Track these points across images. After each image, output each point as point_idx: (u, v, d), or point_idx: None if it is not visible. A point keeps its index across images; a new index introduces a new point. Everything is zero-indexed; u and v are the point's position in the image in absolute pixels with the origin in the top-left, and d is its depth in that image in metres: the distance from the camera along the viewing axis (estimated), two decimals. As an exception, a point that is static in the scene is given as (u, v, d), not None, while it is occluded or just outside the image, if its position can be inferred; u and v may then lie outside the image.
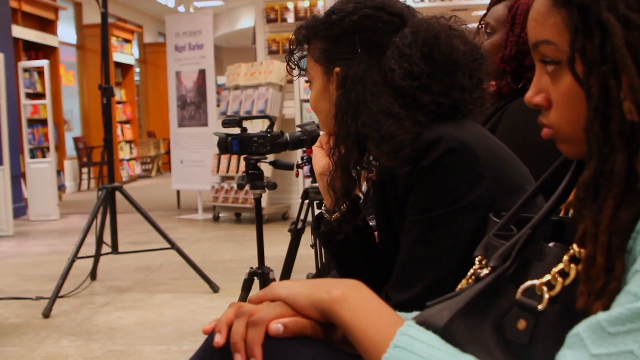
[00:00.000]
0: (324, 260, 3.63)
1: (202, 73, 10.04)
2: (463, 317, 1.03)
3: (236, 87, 9.56)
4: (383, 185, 1.68)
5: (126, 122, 17.53)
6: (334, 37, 1.69)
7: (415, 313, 1.31)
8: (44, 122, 11.20)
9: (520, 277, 1.05)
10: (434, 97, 1.58)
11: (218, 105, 10.07)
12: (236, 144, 3.28)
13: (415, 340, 0.98)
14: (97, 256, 5.75)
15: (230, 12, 19.48)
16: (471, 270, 1.19)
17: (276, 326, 1.09)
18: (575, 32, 0.99)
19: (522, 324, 1.00)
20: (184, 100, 10.23)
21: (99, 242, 5.65)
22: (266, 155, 3.36)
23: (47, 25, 13.50)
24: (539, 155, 1.75)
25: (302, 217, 3.98)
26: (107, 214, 5.67)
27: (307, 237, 3.84)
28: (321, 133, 3.25)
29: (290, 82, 9.24)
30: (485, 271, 1.11)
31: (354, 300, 1.07)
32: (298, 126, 3.61)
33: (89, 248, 5.59)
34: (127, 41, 17.98)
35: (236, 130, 3.34)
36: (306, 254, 4.62)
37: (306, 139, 3.52)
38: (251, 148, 3.30)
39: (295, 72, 1.85)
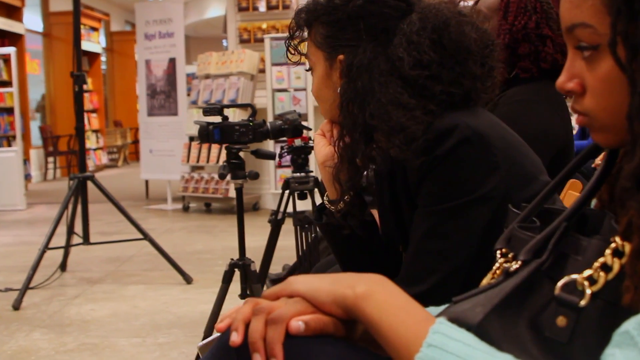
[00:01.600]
0: (304, 249, 3.57)
1: (172, 62, 9.90)
2: (497, 314, 0.97)
3: (207, 76, 9.45)
4: (391, 175, 1.61)
5: (93, 111, 17.33)
6: (337, 23, 1.62)
7: (432, 309, 1.25)
8: (9, 111, 11.02)
9: (556, 272, 0.98)
10: (445, 86, 1.51)
11: (188, 95, 9.95)
12: (217, 132, 3.19)
13: (450, 338, 0.92)
14: (67, 247, 5.64)
15: (199, 1, 19.33)
16: (496, 264, 1.13)
17: (297, 324, 1.01)
18: (618, 14, 0.92)
19: (562, 321, 0.94)
20: (153, 89, 10.09)
21: (70, 232, 5.53)
22: (248, 145, 3.27)
23: (13, 12, 13.29)
24: (534, 146, 1.71)
25: (282, 208, 3.90)
26: (77, 204, 5.56)
27: (286, 228, 3.77)
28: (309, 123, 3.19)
29: (262, 71, 9.16)
30: (515, 265, 1.04)
31: (381, 296, 1.00)
32: (279, 115, 3.55)
33: (58, 239, 5.47)
34: (94, 29, 17.76)
35: (217, 119, 3.26)
36: (284, 244, 4.56)
37: (287, 128, 3.44)
38: (233, 137, 3.22)
39: (295, 58, 1.78)
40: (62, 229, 5.43)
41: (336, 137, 1.67)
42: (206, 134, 3.22)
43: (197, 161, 9.41)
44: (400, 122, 1.46)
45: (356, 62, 1.56)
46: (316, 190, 3.75)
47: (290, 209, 3.91)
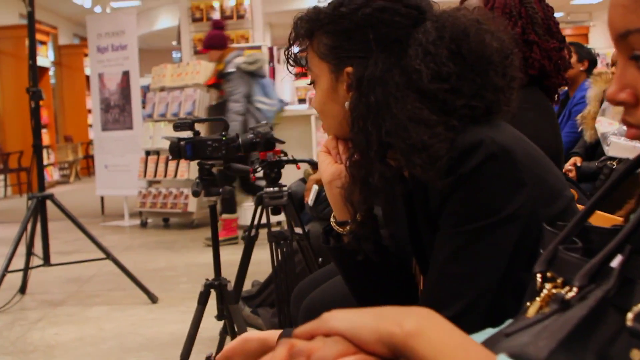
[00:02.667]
0: (276, 265, 3.45)
1: (126, 75, 9.71)
2: (564, 349, 0.87)
3: (162, 89, 9.29)
4: (409, 195, 1.51)
5: (43, 126, 16.97)
6: (344, 33, 1.51)
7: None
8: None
9: (623, 300, 0.89)
10: (467, 100, 1.41)
11: (143, 108, 9.77)
12: (190, 148, 3.07)
13: None
14: (26, 269, 5.44)
15: (148, 12, 19.08)
16: (544, 290, 1.03)
17: None
18: None
19: (637, 355, 0.84)
20: (107, 103, 9.89)
21: (29, 253, 5.34)
22: (220, 160, 3.16)
23: (-41, 27, 13.00)
24: None
25: (255, 223, 3.76)
26: (36, 224, 5.37)
27: (259, 244, 3.64)
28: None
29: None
30: (571, 293, 0.95)
31: (433, 333, 0.89)
32: (250, 129, 3.43)
33: (16, 260, 5.27)
34: (42, 43, 17.43)
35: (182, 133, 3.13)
36: (254, 259, 4.44)
37: (259, 142, 3.34)
38: (205, 152, 3.10)
39: (293, 70, 1.67)
40: (18, 249, 5.23)
41: (344, 154, 1.56)
42: (177, 150, 3.09)
43: (154, 176, 9.24)
44: (422, 140, 1.36)
45: (367, 74, 1.45)
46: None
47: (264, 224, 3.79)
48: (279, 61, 10.30)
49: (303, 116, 9.12)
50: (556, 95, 2.67)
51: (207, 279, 3.20)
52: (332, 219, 1.66)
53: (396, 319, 0.91)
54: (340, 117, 1.54)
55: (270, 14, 9.94)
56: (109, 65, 9.84)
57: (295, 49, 1.64)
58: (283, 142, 3.42)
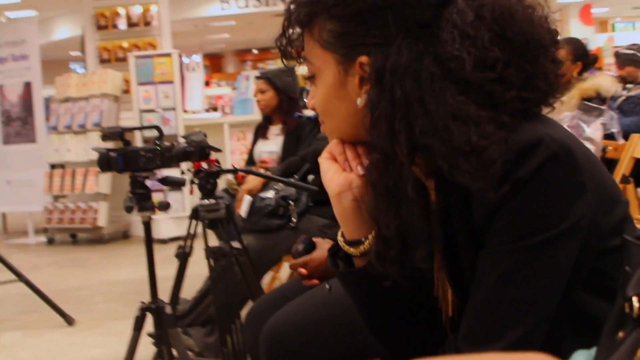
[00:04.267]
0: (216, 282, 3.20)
1: (28, 86, 9.26)
2: None
3: (67, 99, 8.90)
4: (445, 209, 1.30)
5: None
6: (356, 16, 1.26)
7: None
8: None
9: None
10: (517, 91, 1.20)
11: (47, 120, 9.34)
12: (121, 159, 2.81)
13: None
14: None
15: (44, 22, 18.46)
16: None
17: None
18: None
19: None
20: (8, 116, 9.41)
21: None
22: (154, 171, 2.90)
23: None
24: None
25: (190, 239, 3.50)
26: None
27: (195, 259, 3.38)
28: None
29: (127, 92, 8.69)
30: None
31: None
32: (183, 137, 3.18)
33: None
34: None
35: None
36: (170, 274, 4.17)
37: (193, 151, 3.10)
38: (138, 164, 2.84)
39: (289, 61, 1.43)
40: None
41: (354, 160, 1.34)
42: (107, 162, 2.83)
43: (61, 190, 8.83)
44: (471, 141, 1.15)
45: (390, 65, 1.21)
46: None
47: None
48: (187, 69, 10.02)
49: (215, 125, 8.86)
50: None
51: (143, 302, 2.93)
52: (339, 238, 1.42)
53: None
54: (349, 116, 1.31)
55: (173, 22, 9.64)
56: (9, 76, 9.37)
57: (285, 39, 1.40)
58: (219, 150, 3.18)
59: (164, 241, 8.04)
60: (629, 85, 6.88)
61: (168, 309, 2.92)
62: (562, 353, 1.18)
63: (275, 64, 25.59)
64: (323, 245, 2.46)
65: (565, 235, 1.15)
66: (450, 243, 1.31)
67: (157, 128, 2.96)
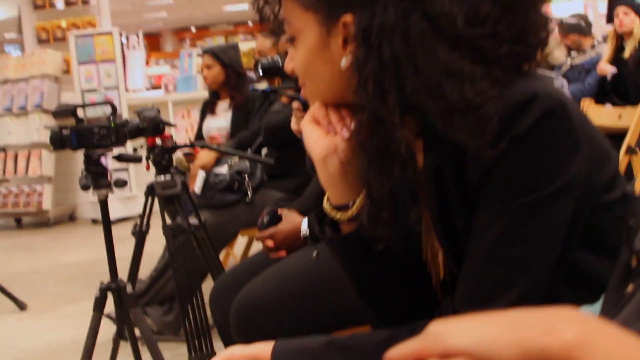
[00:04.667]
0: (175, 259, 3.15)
1: (-36, 68, 9.03)
2: None
3: (5, 81, 8.71)
4: (437, 169, 1.27)
5: None
6: None
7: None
8: None
9: None
10: (510, 46, 1.17)
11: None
12: (75, 137, 2.74)
13: None
14: None
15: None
16: None
17: None
18: None
19: None
20: (-56, 100, 9.19)
21: None
22: (111, 148, 2.84)
23: None
24: None
25: (146, 216, 3.44)
26: None
27: (152, 238, 3.33)
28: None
29: (67, 72, 8.53)
30: None
31: (603, 342, 0.65)
32: (136, 112, 3.12)
33: None
34: None
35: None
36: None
37: (146, 127, 3.04)
38: (92, 141, 2.77)
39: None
40: None
41: (338, 123, 1.30)
42: (60, 140, 2.75)
43: (3, 174, 8.66)
44: (466, 98, 1.11)
45: (376, 23, 1.17)
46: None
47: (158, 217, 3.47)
48: (128, 47, 9.87)
49: (159, 103, 8.73)
50: None
51: (102, 282, 2.87)
52: (325, 204, 1.38)
53: (544, 326, 0.66)
54: (333, 78, 1.27)
55: (110, 1, 9.45)
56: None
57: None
58: (173, 126, 3.12)
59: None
60: (573, 54, 6.95)
61: (129, 288, 2.87)
62: None
63: (214, 42, 25.38)
64: (289, 217, 2.43)
65: (561, 192, 1.14)
66: (442, 204, 1.28)
67: (111, 104, 2.90)
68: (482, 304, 1.17)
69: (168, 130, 3.15)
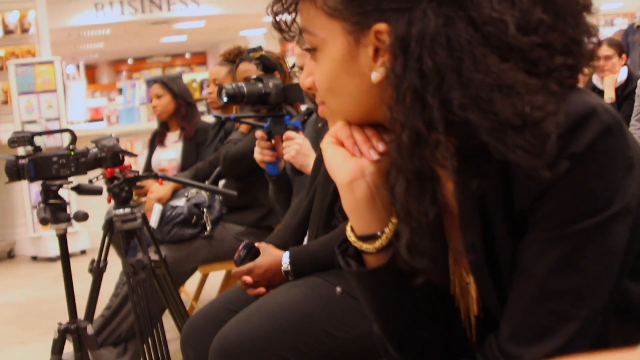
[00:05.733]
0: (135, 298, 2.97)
1: None
2: None
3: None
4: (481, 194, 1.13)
5: None
6: None
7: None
8: None
9: None
10: (564, 57, 1.06)
11: None
12: (33, 166, 2.56)
13: None
14: None
15: None
16: None
17: None
18: None
19: None
20: None
21: None
22: (69, 179, 2.67)
23: None
24: None
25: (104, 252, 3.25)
26: None
27: (109, 276, 3.14)
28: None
29: (6, 102, 8.27)
30: None
31: None
32: (93, 141, 2.95)
33: None
34: None
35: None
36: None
37: (105, 157, 2.88)
38: (51, 171, 2.60)
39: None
40: None
41: (364, 144, 1.17)
42: (17, 171, 2.58)
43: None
44: (523, 114, 1.00)
45: (415, 32, 1.05)
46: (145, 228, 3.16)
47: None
48: (68, 77, 9.63)
49: (101, 135, 8.50)
50: None
51: (61, 323, 2.68)
52: (349, 234, 1.24)
53: None
54: (361, 93, 1.14)
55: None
56: None
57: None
58: (135, 155, 2.96)
59: (51, 259, 7.64)
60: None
61: (90, 329, 2.68)
62: (608, 346, 1.07)
63: (150, 73, 25.14)
64: (267, 251, 2.29)
65: (618, 217, 1.03)
66: (487, 231, 1.15)
67: (70, 131, 2.73)
68: (534, 342, 1.06)
69: (128, 160, 2.99)
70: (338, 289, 1.77)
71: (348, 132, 1.19)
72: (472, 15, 1.04)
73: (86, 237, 7.61)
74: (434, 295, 1.25)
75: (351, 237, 1.23)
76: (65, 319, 2.75)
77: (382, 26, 1.09)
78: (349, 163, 1.18)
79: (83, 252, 7.58)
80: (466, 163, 1.10)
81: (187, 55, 27.37)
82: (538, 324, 1.06)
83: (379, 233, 1.19)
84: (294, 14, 1.21)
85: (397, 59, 1.07)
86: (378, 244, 1.20)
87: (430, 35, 1.04)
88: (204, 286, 4.72)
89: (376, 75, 1.12)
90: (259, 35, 3.75)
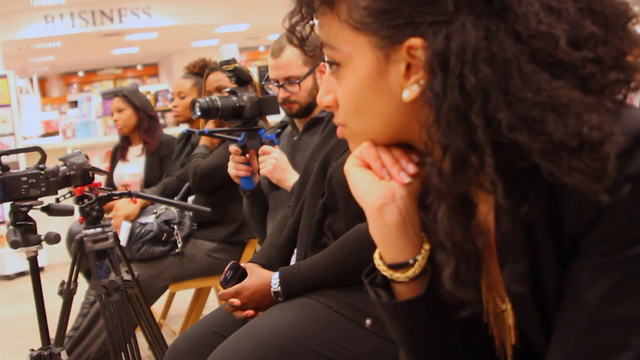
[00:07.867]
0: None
1: None
2: None
3: None
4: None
5: None
6: None
7: None
8: None
9: None
10: (617, 72, 0.99)
11: None
12: (1, 187, 2.45)
13: None
14: None
15: None
16: None
17: None
18: None
19: None
20: None
21: None
22: (39, 199, 2.56)
23: None
24: None
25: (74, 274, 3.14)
26: None
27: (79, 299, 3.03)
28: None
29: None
30: None
31: None
32: (61, 159, 2.84)
33: None
34: None
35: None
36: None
37: (75, 175, 2.77)
38: (20, 192, 2.49)
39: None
40: None
41: (394, 166, 1.09)
42: (-17, 192, 2.46)
43: None
44: (581, 134, 0.93)
45: (455, 47, 0.97)
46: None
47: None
48: (21, 91, 9.43)
49: (57, 150, 8.34)
50: None
51: (33, 349, 2.57)
52: (378, 262, 1.17)
53: None
54: (389, 113, 1.06)
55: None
56: None
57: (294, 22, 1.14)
58: (106, 173, 2.86)
59: (9, 277, 7.45)
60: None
61: (64, 356, 2.57)
62: None
63: (102, 86, 24.85)
64: (255, 271, 2.20)
65: None
66: (532, 260, 1.08)
67: (40, 150, 2.62)
68: None
69: (98, 178, 2.88)
70: (368, 322, 1.69)
71: (375, 154, 1.11)
72: (517, 29, 0.96)
73: (44, 253, 7.43)
74: (468, 324, 1.17)
75: (381, 266, 1.15)
76: (29, 340, 2.64)
77: (416, 41, 1.01)
78: (378, 187, 1.10)
79: (41, 269, 7.39)
80: (512, 187, 1.02)
81: (139, 67, 27.10)
82: (591, 355, 0.99)
83: (411, 261, 1.12)
84: (311, 27, 1.13)
85: (435, 77, 0.99)
86: (411, 272, 1.12)
87: (472, 50, 0.96)
88: (171, 303, 4.62)
89: (409, 94, 1.03)
90: (233, 48, 3.69)
